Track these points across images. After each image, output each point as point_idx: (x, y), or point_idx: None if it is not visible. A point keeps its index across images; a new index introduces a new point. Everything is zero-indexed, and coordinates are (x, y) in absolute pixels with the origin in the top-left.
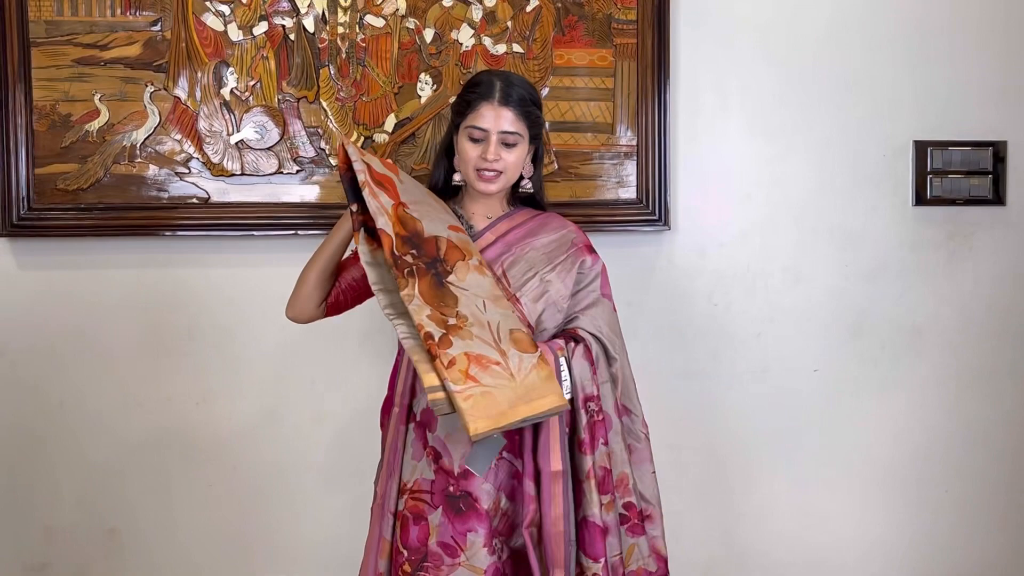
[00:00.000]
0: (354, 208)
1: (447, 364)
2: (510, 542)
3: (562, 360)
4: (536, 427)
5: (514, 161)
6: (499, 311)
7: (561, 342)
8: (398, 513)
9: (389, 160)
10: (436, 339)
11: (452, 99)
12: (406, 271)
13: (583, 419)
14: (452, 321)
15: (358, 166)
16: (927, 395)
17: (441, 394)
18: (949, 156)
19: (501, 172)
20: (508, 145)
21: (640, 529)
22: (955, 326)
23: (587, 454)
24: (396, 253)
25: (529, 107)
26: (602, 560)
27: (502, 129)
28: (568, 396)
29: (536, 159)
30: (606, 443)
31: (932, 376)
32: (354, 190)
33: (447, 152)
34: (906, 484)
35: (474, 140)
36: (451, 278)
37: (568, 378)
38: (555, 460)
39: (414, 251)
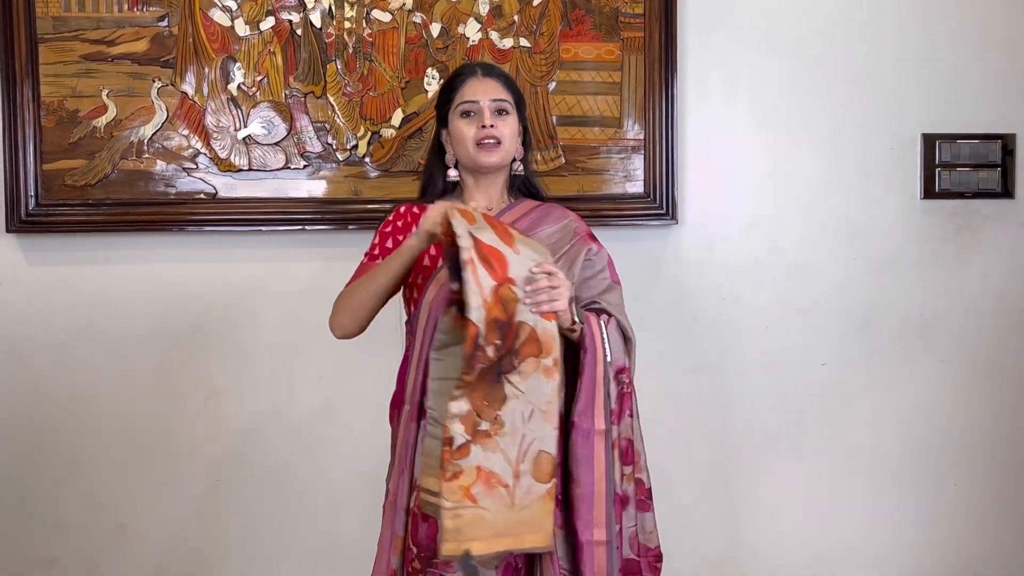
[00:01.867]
0: (455, 287)
1: (450, 476)
2: None
3: (603, 325)
4: (573, 385)
5: (509, 133)
6: (541, 427)
7: (592, 313)
8: (409, 510)
9: (505, 225)
10: (454, 447)
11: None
12: (479, 366)
13: (614, 390)
14: (484, 426)
15: (464, 243)
16: (935, 388)
17: (433, 499)
18: (957, 149)
19: (500, 141)
20: (501, 112)
21: (647, 506)
22: (963, 319)
23: (615, 424)
24: (480, 344)
25: (510, 80)
26: (618, 527)
27: (492, 97)
28: (608, 360)
29: (525, 142)
30: (632, 415)
31: (940, 369)
32: (456, 267)
33: (438, 153)
34: (914, 477)
35: (467, 116)
36: (513, 376)
37: (608, 344)
38: (599, 419)
39: (498, 341)
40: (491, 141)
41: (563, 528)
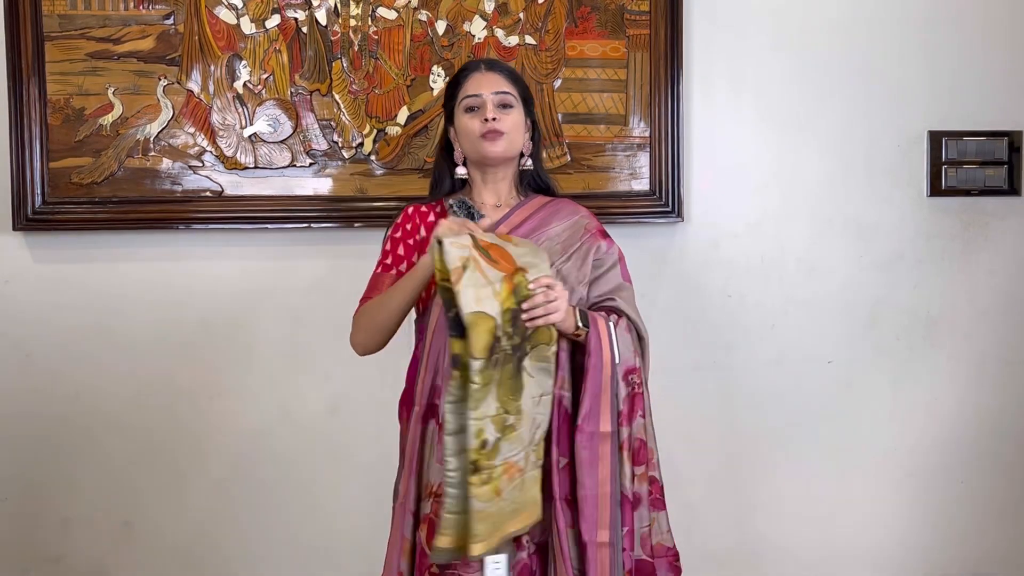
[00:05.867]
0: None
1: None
2: (535, 536)
3: (611, 327)
4: (578, 392)
5: (513, 124)
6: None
7: (603, 313)
8: (424, 516)
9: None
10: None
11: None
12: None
13: (623, 391)
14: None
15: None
16: (942, 385)
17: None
18: (964, 146)
19: (504, 132)
20: (504, 106)
21: (661, 504)
22: (970, 316)
23: (624, 425)
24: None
25: (515, 74)
26: (626, 528)
27: (495, 90)
28: (617, 361)
29: (534, 137)
30: (643, 415)
31: (947, 366)
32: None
33: (446, 149)
34: (921, 475)
35: (471, 110)
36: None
37: (616, 346)
38: (605, 422)
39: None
40: (495, 133)
41: (572, 528)
